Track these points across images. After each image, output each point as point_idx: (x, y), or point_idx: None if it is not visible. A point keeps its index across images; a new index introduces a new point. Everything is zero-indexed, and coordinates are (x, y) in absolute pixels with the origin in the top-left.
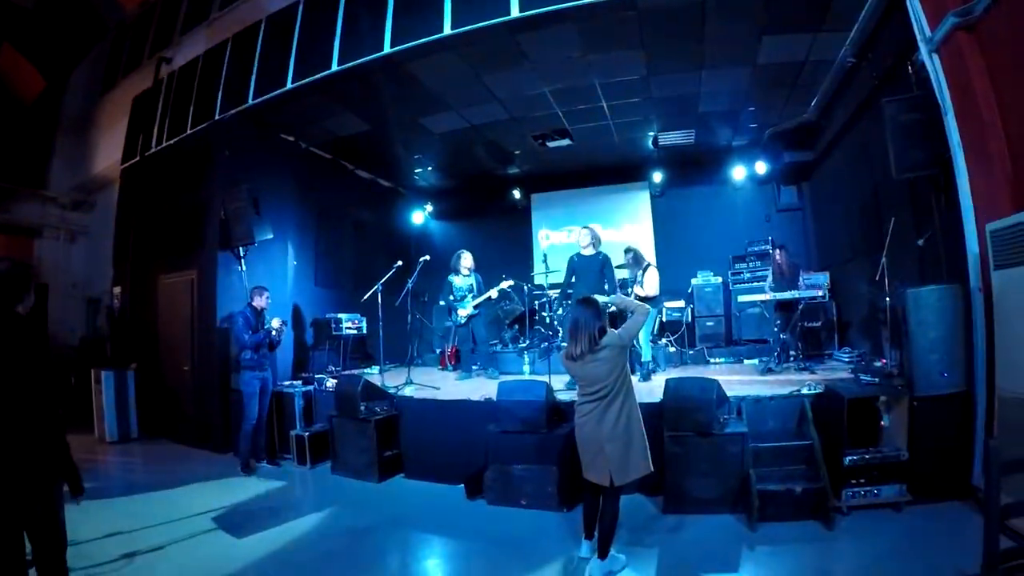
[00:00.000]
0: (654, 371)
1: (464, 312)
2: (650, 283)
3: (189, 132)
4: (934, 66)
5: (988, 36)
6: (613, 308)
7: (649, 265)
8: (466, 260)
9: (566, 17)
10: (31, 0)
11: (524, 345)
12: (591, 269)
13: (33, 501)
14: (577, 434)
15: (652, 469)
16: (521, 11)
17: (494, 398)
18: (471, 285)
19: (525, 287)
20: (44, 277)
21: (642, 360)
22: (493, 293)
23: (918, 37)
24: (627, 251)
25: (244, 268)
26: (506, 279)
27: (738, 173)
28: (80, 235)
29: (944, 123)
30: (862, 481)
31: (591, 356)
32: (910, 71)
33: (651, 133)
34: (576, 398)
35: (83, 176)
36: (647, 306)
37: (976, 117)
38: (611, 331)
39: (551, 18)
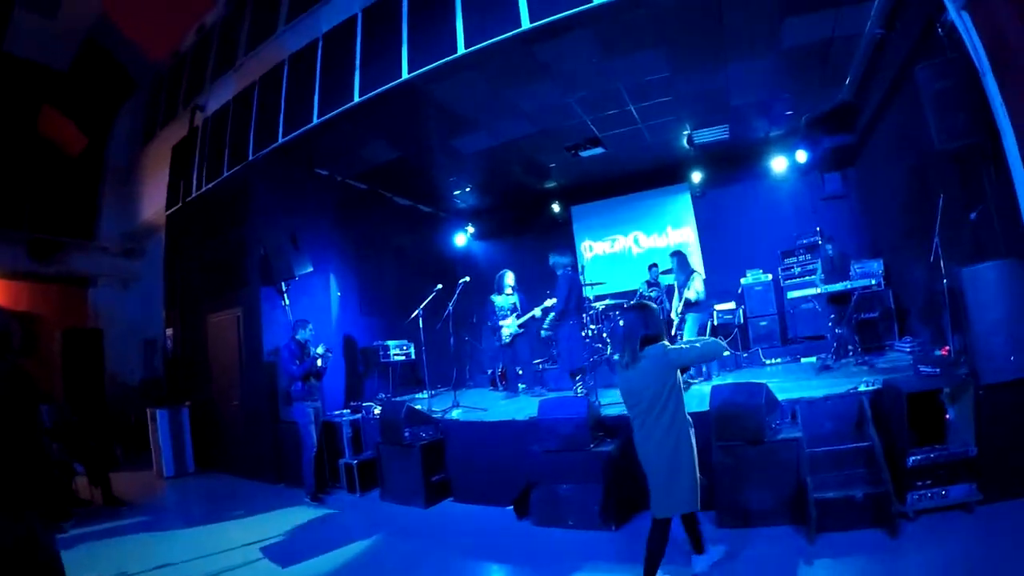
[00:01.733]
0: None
1: (507, 331)
2: (696, 288)
3: (226, 175)
4: (965, 24)
5: None
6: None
7: (694, 272)
8: (509, 279)
9: (578, 23)
10: (65, 62)
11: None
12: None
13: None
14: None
15: (698, 508)
16: (532, 22)
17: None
18: (513, 304)
19: None
20: (100, 324)
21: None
22: (537, 311)
23: None
24: (673, 255)
25: (287, 302)
26: (550, 297)
27: (779, 164)
28: (132, 281)
29: (984, 85)
30: (928, 482)
31: (633, 366)
32: (941, 33)
33: (684, 132)
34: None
35: (131, 224)
36: (723, 345)
37: (1018, 72)
38: (661, 343)
39: (563, 25)
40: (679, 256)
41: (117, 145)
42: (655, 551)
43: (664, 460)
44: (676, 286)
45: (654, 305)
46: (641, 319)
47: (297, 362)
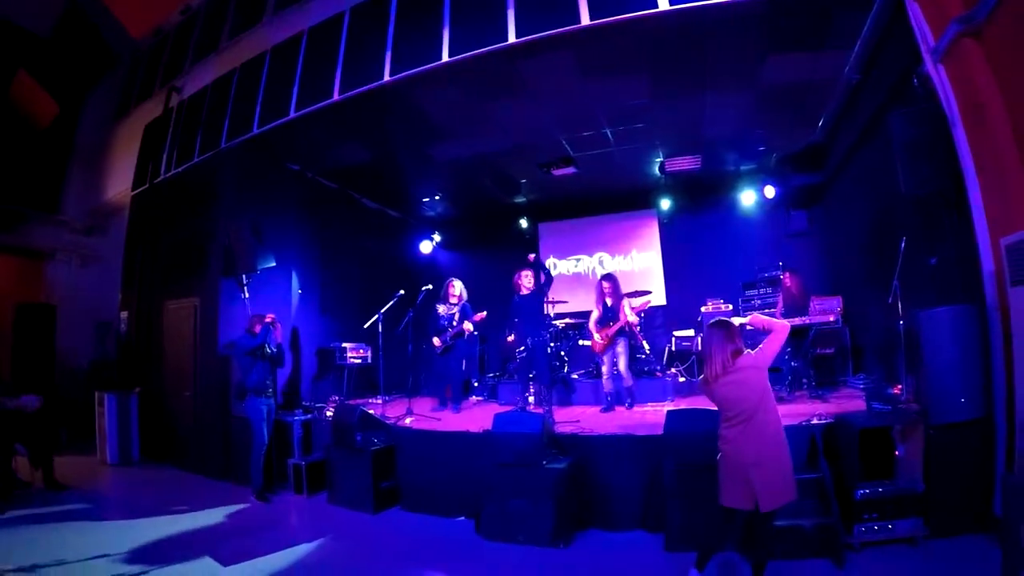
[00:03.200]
0: (632, 402)
1: (438, 344)
2: (628, 314)
3: (196, 160)
4: (940, 76)
5: (993, 41)
6: (749, 326)
7: (624, 297)
8: (453, 289)
9: (563, 42)
10: (46, 28)
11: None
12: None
13: None
14: (720, 461)
15: (796, 496)
16: (517, 37)
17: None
18: (453, 316)
19: None
20: (54, 300)
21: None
22: (468, 326)
23: (922, 47)
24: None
25: (247, 296)
26: (481, 312)
27: (747, 198)
28: (92, 260)
29: (953, 135)
30: (875, 515)
31: (725, 379)
32: (916, 84)
33: (657, 159)
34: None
35: (96, 201)
36: (787, 324)
37: (986, 126)
38: (747, 352)
39: (548, 44)
40: (612, 281)
41: (89, 118)
42: (766, 549)
43: (765, 459)
44: (603, 308)
45: (733, 320)
46: (728, 335)
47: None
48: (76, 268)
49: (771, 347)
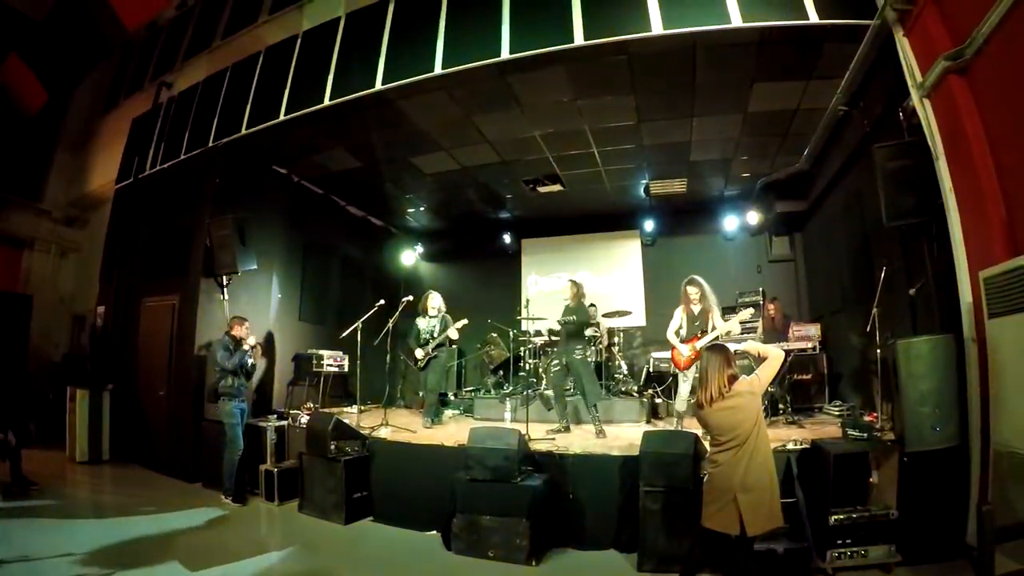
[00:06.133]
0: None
1: (422, 354)
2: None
3: (183, 157)
4: (925, 111)
5: (980, 78)
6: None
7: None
8: (433, 301)
9: (556, 60)
10: (40, 12)
11: (507, 391)
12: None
13: None
14: (706, 483)
15: (783, 523)
16: (511, 53)
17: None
18: (434, 327)
19: (511, 332)
20: (31, 290)
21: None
22: (452, 333)
23: (909, 82)
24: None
25: (226, 297)
26: (462, 320)
27: (730, 223)
28: (71, 251)
29: (936, 168)
30: (848, 541)
31: (720, 404)
32: (901, 117)
33: (643, 181)
34: (708, 448)
35: (79, 192)
36: (781, 352)
37: (968, 161)
38: (743, 378)
39: (541, 61)
40: (700, 286)
41: (77, 108)
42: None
43: (754, 484)
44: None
45: (728, 345)
46: (726, 360)
47: (229, 354)
48: (55, 259)
49: (768, 373)
